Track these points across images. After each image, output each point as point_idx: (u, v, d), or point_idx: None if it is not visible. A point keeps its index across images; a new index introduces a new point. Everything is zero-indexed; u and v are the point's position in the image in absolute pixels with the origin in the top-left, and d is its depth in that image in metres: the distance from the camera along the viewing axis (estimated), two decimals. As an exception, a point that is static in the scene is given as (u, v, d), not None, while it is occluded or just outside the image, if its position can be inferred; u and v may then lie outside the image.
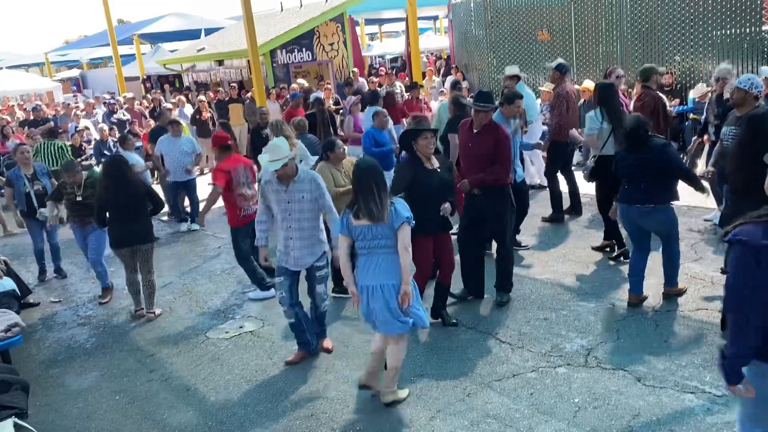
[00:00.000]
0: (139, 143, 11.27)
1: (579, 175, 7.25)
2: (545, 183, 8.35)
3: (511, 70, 8.28)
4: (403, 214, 4.00)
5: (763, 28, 9.96)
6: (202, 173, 12.97)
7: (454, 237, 5.55)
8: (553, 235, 7.37)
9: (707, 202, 7.23)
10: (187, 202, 9.72)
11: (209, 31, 22.95)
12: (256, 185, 6.57)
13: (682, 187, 5.13)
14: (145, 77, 23.58)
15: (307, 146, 7.38)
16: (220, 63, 18.98)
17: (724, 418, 3.74)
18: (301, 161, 6.30)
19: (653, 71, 6.98)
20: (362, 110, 9.35)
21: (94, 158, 12.22)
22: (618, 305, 5.39)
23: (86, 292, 7.38)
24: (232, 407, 4.55)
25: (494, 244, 5.95)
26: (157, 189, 10.44)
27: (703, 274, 5.77)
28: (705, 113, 7.34)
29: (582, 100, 9.11)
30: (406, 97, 11.49)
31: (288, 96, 12.97)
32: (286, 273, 4.89)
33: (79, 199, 6.79)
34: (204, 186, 10.14)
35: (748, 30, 10.13)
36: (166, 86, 22.36)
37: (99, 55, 33.80)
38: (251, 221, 6.25)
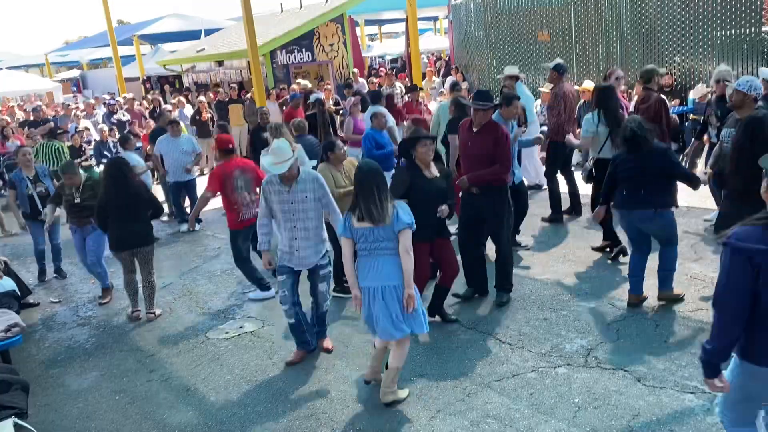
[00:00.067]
0: (139, 144, 11.28)
1: (578, 176, 7.26)
2: (544, 183, 8.35)
3: (510, 70, 8.29)
4: (404, 219, 4.01)
5: (763, 28, 9.96)
6: (202, 173, 12.98)
7: (454, 237, 5.56)
8: (553, 236, 7.38)
9: (707, 202, 7.24)
10: (187, 202, 9.73)
11: (209, 32, 22.97)
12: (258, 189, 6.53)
13: (681, 187, 5.14)
14: (145, 78, 23.60)
15: (307, 147, 7.36)
16: (220, 64, 19.00)
17: (724, 418, 3.74)
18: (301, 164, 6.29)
19: (655, 73, 6.99)
20: (363, 111, 9.35)
21: (93, 159, 12.23)
22: (618, 305, 5.39)
23: (86, 292, 7.38)
24: (232, 407, 4.55)
25: (492, 245, 5.95)
26: (158, 189, 10.53)
27: (703, 275, 5.77)
28: (704, 114, 7.34)
29: (582, 101, 9.11)
30: (406, 99, 11.48)
31: (287, 96, 12.98)
32: (289, 272, 4.90)
33: (77, 201, 6.75)
34: (204, 186, 10.12)
35: (748, 31, 10.14)
36: (166, 87, 22.39)
37: (99, 56, 33.81)
38: (251, 225, 6.25)
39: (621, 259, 6.30)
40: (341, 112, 12.21)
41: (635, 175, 4.99)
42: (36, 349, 5.97)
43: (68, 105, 18.52)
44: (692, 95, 10.16)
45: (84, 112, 16.49)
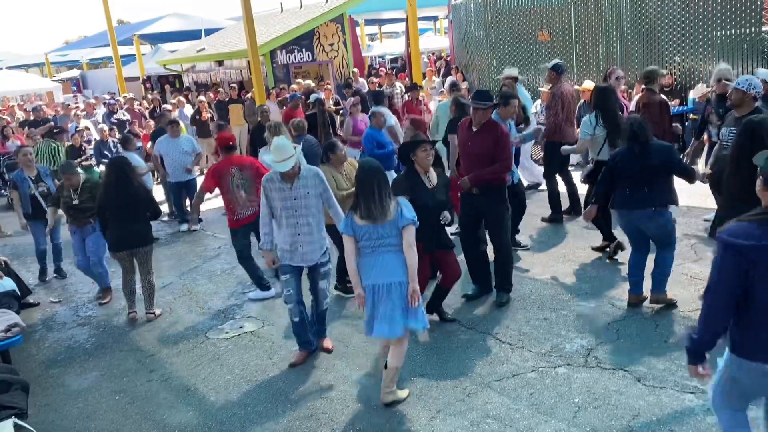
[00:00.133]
0: (139, 143, 11.28)
1: (577, 176, 7.26)
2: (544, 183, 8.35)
3: (510, 71, 8.29)
4: (408, 215, 4.02)
5: (763, 28, 9.95)
6: (202, 173, 12.97)
7: (454, 237, 5.56)
8: (553, 236, 7.38)
9: (707, 202, 7.24)
10: (188, 202, 9.72)
11: (209, 32, 22.99)
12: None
13: (681, 188, 5.13)
14: (145, 78, 23.60)
15: (307, 147, 7.35)
16: (220, 63, 19.00)
17: (723, 418, 3.74)
18: None
19: (657, 74, 6.99)
20: (363, 111, 9.35)
21: (94, 158, 12.23)
22: (618, 305, 5.39)
23: (86, 292, 7.37)
24: (232, 407, 4.55)
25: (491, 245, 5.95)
26: (158, 189, 10.53)
27: (703, 275, 5.76)
28: (703, 113, 7.34)
29: (581, 101, 9.12)
30: (406, 98, 11.49)
31: (287, 96, 12.96)
32: (292, 271, 4.90)
33: (75, 202, 6.72)
34: (204, 186, 10.13)
35: (748, 31, 10.12)
36: (166, 87, 22.40)
37: (99, 56, 33.85)
38: (249, 223, 6.24)
39: (620, 259, 6.29)
40: (341, 112, 12.21)
41: (637, 172, 4.98)
42: (36, 349, 5.97)
43: (68, 105, 18.50)
44: (692, 95, 10.15)
45: (84, 112, 16.48)
